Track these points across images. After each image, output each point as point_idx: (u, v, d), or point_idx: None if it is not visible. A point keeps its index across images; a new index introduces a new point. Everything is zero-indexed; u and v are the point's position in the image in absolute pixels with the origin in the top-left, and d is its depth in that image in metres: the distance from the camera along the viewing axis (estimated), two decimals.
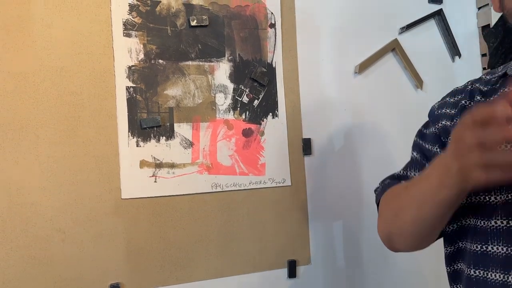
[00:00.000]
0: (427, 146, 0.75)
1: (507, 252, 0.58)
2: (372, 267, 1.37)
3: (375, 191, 0.83)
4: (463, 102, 0.70)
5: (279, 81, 1.29)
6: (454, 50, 1.50)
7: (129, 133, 1.14)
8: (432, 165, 0.60)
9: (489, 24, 1.50)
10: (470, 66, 1.53)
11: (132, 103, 1.15)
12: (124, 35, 1.15)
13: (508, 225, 0.58)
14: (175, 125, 1.19)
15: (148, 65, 1.17)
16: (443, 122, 0.71)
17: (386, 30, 1.42)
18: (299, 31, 1.32)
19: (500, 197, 0.59)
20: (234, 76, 1.25)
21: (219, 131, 1.23)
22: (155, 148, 1.16)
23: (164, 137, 1.17)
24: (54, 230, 1.07)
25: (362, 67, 1.38)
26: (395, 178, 0.81)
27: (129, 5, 1.15)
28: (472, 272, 0.63)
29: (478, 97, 0.69)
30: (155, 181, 1.16)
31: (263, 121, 1.27)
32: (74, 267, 1.08)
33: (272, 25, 1.29)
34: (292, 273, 1.27)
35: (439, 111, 0.74)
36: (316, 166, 1.32)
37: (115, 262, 1.12)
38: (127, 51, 1.15)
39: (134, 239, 1.13)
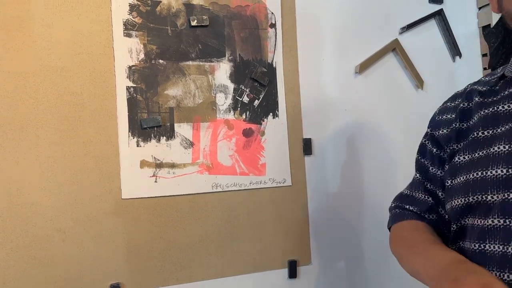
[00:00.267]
0: (426, 162, 0.78)
1: (503, 251, 0.58)
2: (373, 267, 1.37)
3: (390, 210, 0.88)
4: (461, 105, 0.71)
5: (280, 81, 1.29)
6: (454, 50, 1.50)
7: (130, 133, 1.14)
8: (433, 260, 0.63)
9: (489, 24, 1.50)
10: (471, 66, 1.53)
11: (132, 103, 1.15)
12: (124, 35, 1.15)
13: (504, 224, 0.59)
14: (176, 125, 1.18)
15: (148, 65, 1.17)
16: (443, 131, 0.73)
17: (386, 30, 1.42)
18: (299, 31, 1.32)
19: (497, 196, 0.59)
20: (235, 76, 1.25)
21: (219, 131, 1.23)
22: (156, 148, 1.16)
23: (164, 137, 1.17)
24: (54, 230, 1.07)
25: (363, 67, 1.38)
26: (404, 200, 0.84)
27: (129, 5, 1.15)
28: None
29: (476, 99, 0.70)
30: (156, 181, 1.16)
31: (263, 121, 1.27)
32: (74, 267, 1.08)
33: (273, 25, 1.29)
34: (292, 273, 1.27)
35: (440, 117, 0.76)
36: (317, 166, 1.32)
37: (115, 262, 1.12)
38: (128, 51, 1.15)
39: (134, 239, 1.13)
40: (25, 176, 1.05)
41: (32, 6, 1.07)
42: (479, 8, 1.55)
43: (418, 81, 1.44)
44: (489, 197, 0.61)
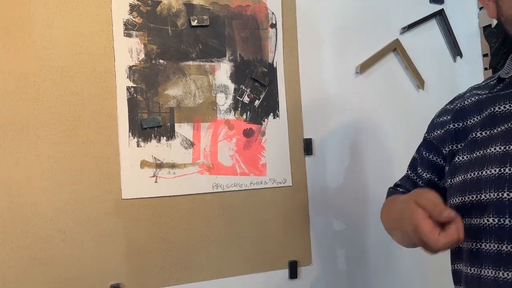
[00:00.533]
0: (418, 160, 0.83)
1: (498, 249, 0.60)
2: (374, 267, 1.37)
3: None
4: (457, 106, 0.73)
5: (280, 81, 1.29)
6: (455, 50, 1.50)
7: (130, 133, 1.14)
8: (401, 206, 0.68)
9: (490, 24, 1.50)
10: (472, 66, 1.53)
11: (132, 103, 1.15)
12: (124, 35, 1.14)
13: (499, 223, 0.60)
14: (176, 125, 1.18)
15: (148, 65, 1.17)
16: (437, 132, 0.76)
17: (387, 30, 1.42)
18: (300, 31, 1.32)
19: (490, 195, 0.61)
20: (235, 76, 1.24)
21: (220, 131, 1.23)
22: (156, 148, 1.16)
23: (164, 137, 1.17)
24: (55, 230, 1.07)
25: (364, 67, 1.38)
26: (396, 185, 0.90)
27: (129, 5, 1.15)
28: (468, 270, 0.65)
29: (473, 98, 0.71)
30: (156, 182, 1.16)
31: (264, 121, 1.27)
32: (74, 268, 1.08)
33: (273, 25, 1.29)
34: (293, 274, 1.27)
35: (437, 120, 0.78)
36: (317, 166, 1.32)
37: (115, 263, 1.11)
38: (128, 51, 1.15)
39: (134, 239, 1.13)
40: (25, 176, 1.05)
41: (32, 6, 1.07)
42: (480, 8, 1.54)
43: (419, 81, 1.44)
44: (483, 196, 0.62)
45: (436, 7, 1.48)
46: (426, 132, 0.80)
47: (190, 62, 1.20)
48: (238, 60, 1.25)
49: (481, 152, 0.64)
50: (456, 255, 0.70)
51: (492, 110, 0.66)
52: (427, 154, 0.79)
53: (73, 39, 1.10)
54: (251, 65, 1.26)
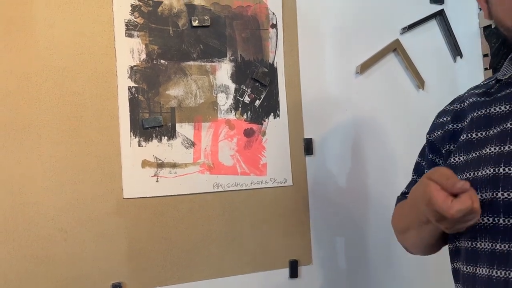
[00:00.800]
0: (423, 164, 0.82)
1: (492, 248, 0.61)
2: (374, 267, 1.37)
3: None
4: (457, 107, 0.74)
5: (281, 81, 1.29)
6: (455, 50, 1.50)
7: (131, 133, 1.15)
8: (415, 190, 0.67)
9: (490, 25, 1.50)
10: (472, 66, 1.53)
11: (134, 103, 1.15)
12: (126, 36, 1.15)
13: (493, 222, 0.61)
14: (177, 125, 1.19)
15: (150, 65, 1.17)
16: (437, 133, 0.76)
17: (387, 30, 1.42)
18: (300, 31, 1.32)
19: (486, 195, 0.61)
20: (236, 76, 1.25)
21: (220, 131, 1.23)
22: (157, 148, 1.17)
23: (166, 137, 1.18)
24: (56, 229, 1.07)
25: (364, 67, 1.38)
26: (403, 194, 0.89)
27: (131, 6, 1.15)
28: (465, 269, 0.66)
29: (471, 99, 0.71)
30: (157, 181, 1.16)
31: (264, 121, 1.27)
32: (76, 267, 1.08)
33: (274, 26, 1.29)
34: (293, 273, 1.27)
35: (437, 121, 0.78)
36: (318, 166, 1.32)
37: (117, 262, 1.12)
38: (129, 51, 1.15)
39: (136, 238, 1.14)
40: (27, 176, 1.06)
41: (34, 6, 1.08)
42: (480, 9, 1.55)
43: (419, 81, 1.44)
44: (478, 196, 0.62)
45: (436, 7, 1.48)
46: (427, 133, 0.81)
47: (191, 62, 1.21)
48: (239, 60, 1.25)
49: (477, 153, 0.65)
50: (455, 253, 0.70)
51: (488, 111, 0.66)
52: (430, 155, 0.79)
53: (74, 39, 1.11)
54: (252, 65, 1.26)
